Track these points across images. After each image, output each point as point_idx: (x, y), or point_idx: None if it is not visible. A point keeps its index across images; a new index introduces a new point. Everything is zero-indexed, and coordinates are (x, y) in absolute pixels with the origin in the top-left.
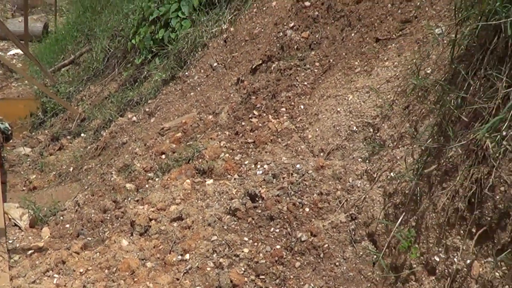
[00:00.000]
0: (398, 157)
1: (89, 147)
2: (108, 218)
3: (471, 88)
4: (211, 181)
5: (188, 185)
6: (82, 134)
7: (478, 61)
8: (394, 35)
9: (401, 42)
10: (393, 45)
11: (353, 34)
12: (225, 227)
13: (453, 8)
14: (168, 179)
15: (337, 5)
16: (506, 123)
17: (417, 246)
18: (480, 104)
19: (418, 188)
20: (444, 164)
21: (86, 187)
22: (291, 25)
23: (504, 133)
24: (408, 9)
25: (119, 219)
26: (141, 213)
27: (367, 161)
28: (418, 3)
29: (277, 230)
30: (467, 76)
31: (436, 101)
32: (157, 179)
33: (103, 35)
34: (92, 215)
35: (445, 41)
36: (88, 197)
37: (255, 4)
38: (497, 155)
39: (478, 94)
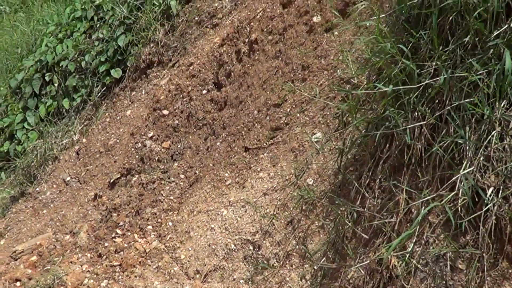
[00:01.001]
0: (287, 278)
1: None
2: None
3: (367, 201)
4: None
5: None
6: None
7: (370, 171)
8: (265, 144)
9: (274, 151)
10: (265, 154)
11: (218, 143)
12: None
13: (328, 113)
14: None
15: (198, 112)
16: (414, 239)
17: None
18: (380, 219)
19: None
20: (344, 286)
21: None
22: (150, 135)
23: (411, 250)
24: (278, 116)
25: None
26: None
27: (250, 282)
28: (288, 109)
29: None
30: (360, 188)
31: (326, 216)
32: None
33: None
34: None
35: (325, 150)
36: None
37: (107, 113)
38: (405, 275)
39: (376, 208)
